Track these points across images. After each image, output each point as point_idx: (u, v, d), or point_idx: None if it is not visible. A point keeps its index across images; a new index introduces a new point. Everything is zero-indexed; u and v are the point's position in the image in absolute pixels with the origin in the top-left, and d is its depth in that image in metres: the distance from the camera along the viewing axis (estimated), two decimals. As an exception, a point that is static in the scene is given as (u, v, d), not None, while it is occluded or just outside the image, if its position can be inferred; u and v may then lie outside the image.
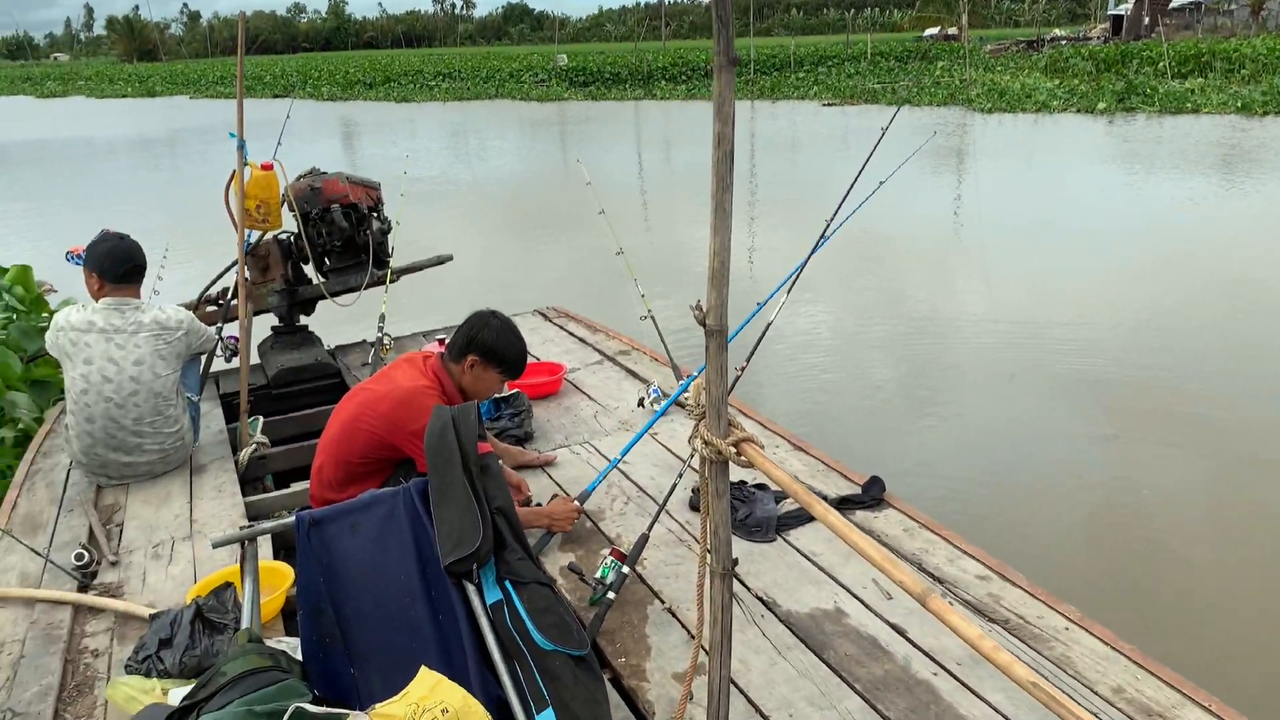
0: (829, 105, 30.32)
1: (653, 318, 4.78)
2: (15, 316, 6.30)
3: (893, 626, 2.78)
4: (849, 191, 3.50)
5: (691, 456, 3.35)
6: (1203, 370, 6.90)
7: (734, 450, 1.99)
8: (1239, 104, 22.71)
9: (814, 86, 34.90)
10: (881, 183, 3.85)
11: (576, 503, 3.40)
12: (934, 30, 57.91)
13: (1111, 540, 4.82)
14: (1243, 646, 3.98)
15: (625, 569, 2.95)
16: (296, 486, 4.06)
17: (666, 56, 46.57)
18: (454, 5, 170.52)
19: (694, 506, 3.53)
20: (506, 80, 44.59)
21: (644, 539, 3.07)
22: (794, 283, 3.64)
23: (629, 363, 5.07)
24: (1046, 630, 2.70)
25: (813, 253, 3.39)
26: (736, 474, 3.60)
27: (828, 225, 3.67)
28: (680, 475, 3.32)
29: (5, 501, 3.91)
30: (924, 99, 29.01)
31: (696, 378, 2.14)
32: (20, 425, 4.96)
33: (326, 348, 5.52)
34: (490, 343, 3.27)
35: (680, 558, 3.22)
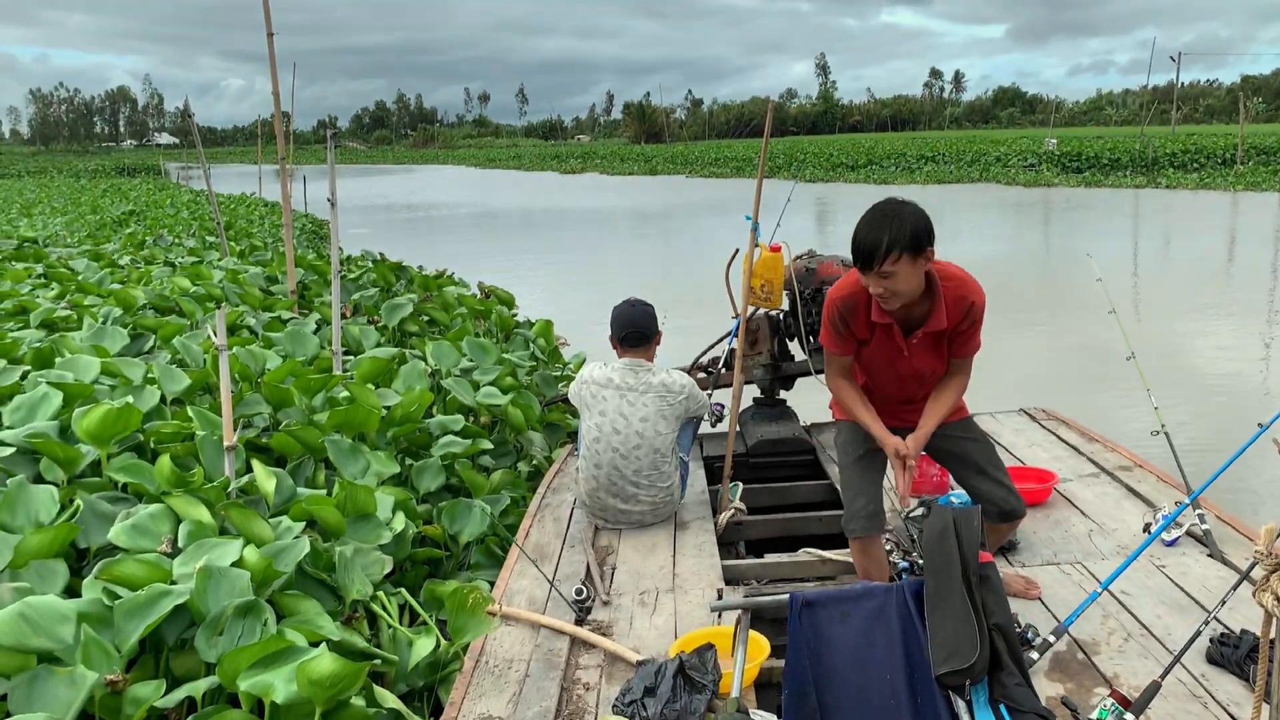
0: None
1: (1166, 433, 4.30)
2: (538, 365, 7.19)
3: None
4: None
5: (1218, 607, 2.92)
6: None
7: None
8: None
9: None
10: None
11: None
12: None
13: None
14: None
15: (1129, 716, 2.62)
16: (770, 557, 4.15)
17: (1176, 142, 42.64)
18: (942, 89, 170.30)
19: (1212, 660, 3.06)
20: (992, 164, 43.40)
21: (1155, 687, 2.70)
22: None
23: (1131, 480, 4.58)
24: None
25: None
26: None
27: None
28: (1206, 624, 2.89)
29: (520, 529, 4.41)
30: None
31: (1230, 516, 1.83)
32: (534, 462, 5.61)
33: (803, 424, 5.63)
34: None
35: (1191, 714, 2.80)
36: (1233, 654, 3.05)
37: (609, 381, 4.34)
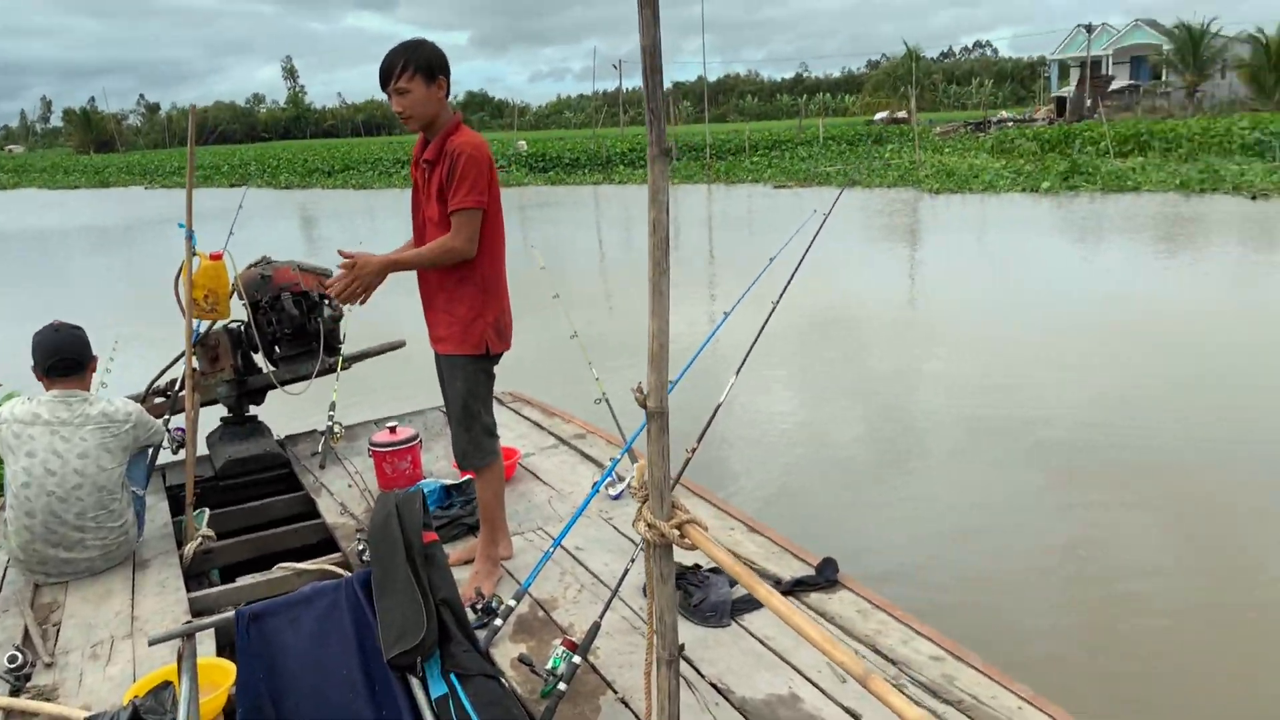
0: (781, 188, 30.96)
1: (607, 401, 4.79)
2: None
3: (847, 711, 2.75)
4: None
5: (639, 548, 3.33)
6: (1157, 437, 7.00)
7: (677, 533, 1.98)
8: (1177, 181, 23.46)
9: (768, 169, 35.65)
10: (771, 259, 3.98)
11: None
12: (883, 114, 59.46)
13: (1070, 615, 4.82)
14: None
15: (577, 659, 2.90)
16: (243, 580, 3.97)
17: (625, 142, 47.45)
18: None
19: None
20: (466, 167, 44.98)
21: (595, 628, 3.02)
22: (741, 365, 3.67)
23: (584, 446, 5.06)
24: (1000, 711, 2.68)
25: (712, 335, 3.43)
26: (691, 558, 3.58)
27: (738, 303, 3.71)
28: (633, 560, 3.28)
29: (-63, 603, 3.77)
30: (875, 180, 29.68)
31: (638, 461, 2.13)
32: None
33: (276, 438, 5.45)
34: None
35: (634, 646, 3.18)
36: (663, 583, 3.51)
37: (35, 418, 3.85)
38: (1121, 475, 6.39)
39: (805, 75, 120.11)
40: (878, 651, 3.01)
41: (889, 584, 4.52)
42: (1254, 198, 20.86)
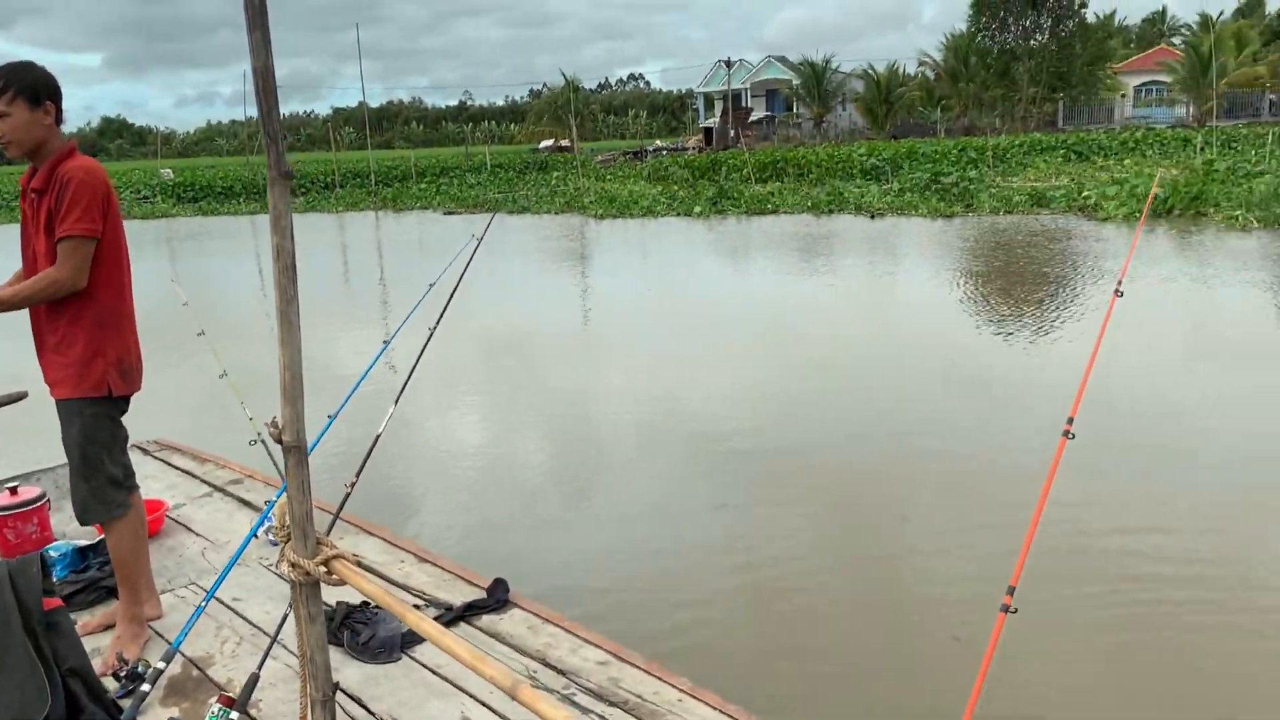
0: (451, 213, 30.94)
1: (263, 441, 4.56)
2: None
3: (520, 726, 2.79)
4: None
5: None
6: (807, 435, 7.68)
7: (324, 569, 1.93)
8: (809, 204, 25.97)
9: (436, 196, 35.51)
10: (431, 285, 4.07)
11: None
12: (548, 142, 61.16)
13: (731, 605, 5.17)
14: (853, 703, 4.39)
15: (235, 714, 2.73)
16: None
17: (282, 170, 45.32)
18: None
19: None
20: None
21: (254, 679, 2.86)
22: (400, 394, 3.63)
23: (241, 491, 4.78)
24: (661, 705, 2.83)
25: (372, 365, 3.42)
26: (355, 595, 3.49)
27: (396, 332, 3.72)
28: (291, 605, 3.14)
29: None
30: (543, 207, 30.44)
31: (279, 498, 2.06)
32: None
33: None
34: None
35: (298, 693, 3.04)
36: (330, 626, 3.39)
37: None
38: (780, 473, 6.95)
39: (469, 103, 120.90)
40: (548, 664, 3.08)
41: (562, 597, 4.64)
42: (873, 216, 23.52)
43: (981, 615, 3.08)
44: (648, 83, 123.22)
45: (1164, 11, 74.31)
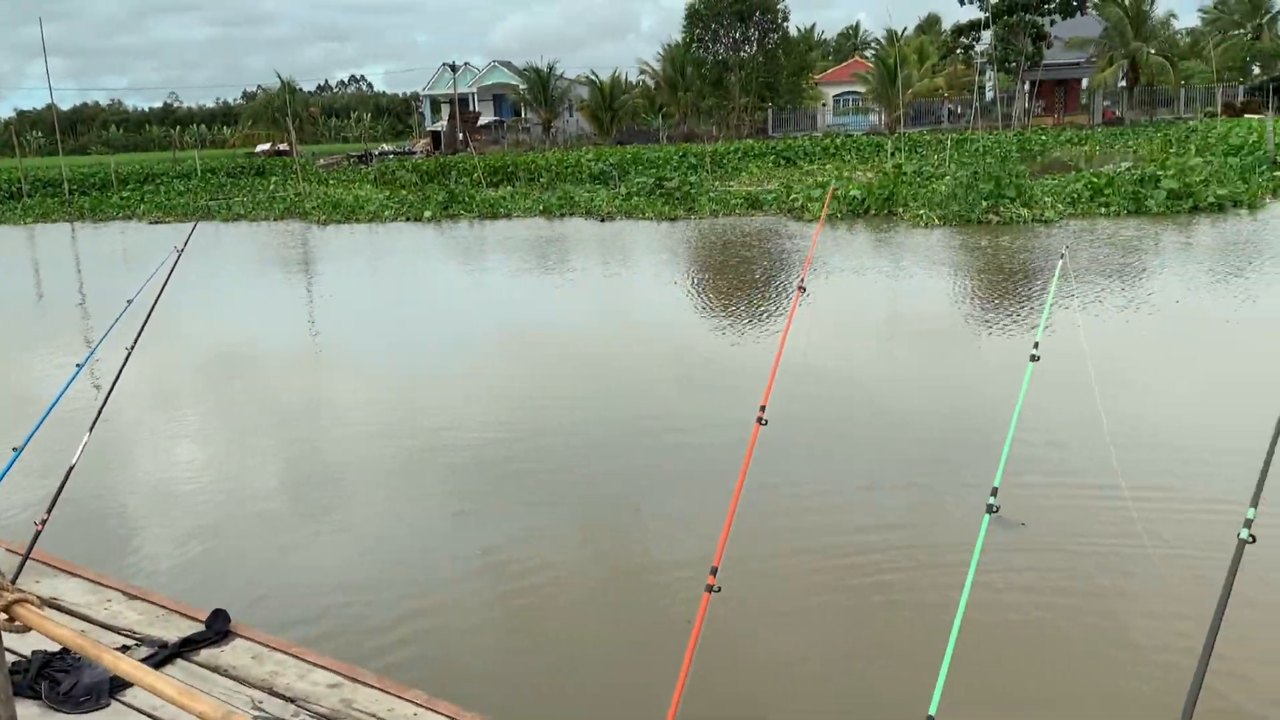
0: (158, 223, 28.82)
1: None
2: None
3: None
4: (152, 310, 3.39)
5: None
6: (555, 439, 7.77)
7: (4, 616, 1.79)
8: (541, 207, 26.26)
9: (140, 205, 32.91)
10: (130, 301, 3.87)
11: None
12: (265, 146, 58.08)
13: (470, 608, 5.17)
14: (582, 694, 4.52)
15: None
16: None
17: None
18: None
19: (19, 691, 3.07)
20: None
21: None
22: (95, 421, 3.39)
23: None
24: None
25: (64, 390, 3.20)
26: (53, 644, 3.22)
27: (91, 354, 3.49)
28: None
29: None
30: (261, 213, 28.96)
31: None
32: None
33: None
34: None
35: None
36: (24, 678, 3.12)
37: None
38: (519, 474, 6.99)
39: (176, 105, 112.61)
40: (274, 692, 2.98)
41: (293, 621, 4.48)
42: (603, 220, 24.09)
43: (694, 596, 3.27)
44: (370, 85, 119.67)
45: (857, 26, 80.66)
